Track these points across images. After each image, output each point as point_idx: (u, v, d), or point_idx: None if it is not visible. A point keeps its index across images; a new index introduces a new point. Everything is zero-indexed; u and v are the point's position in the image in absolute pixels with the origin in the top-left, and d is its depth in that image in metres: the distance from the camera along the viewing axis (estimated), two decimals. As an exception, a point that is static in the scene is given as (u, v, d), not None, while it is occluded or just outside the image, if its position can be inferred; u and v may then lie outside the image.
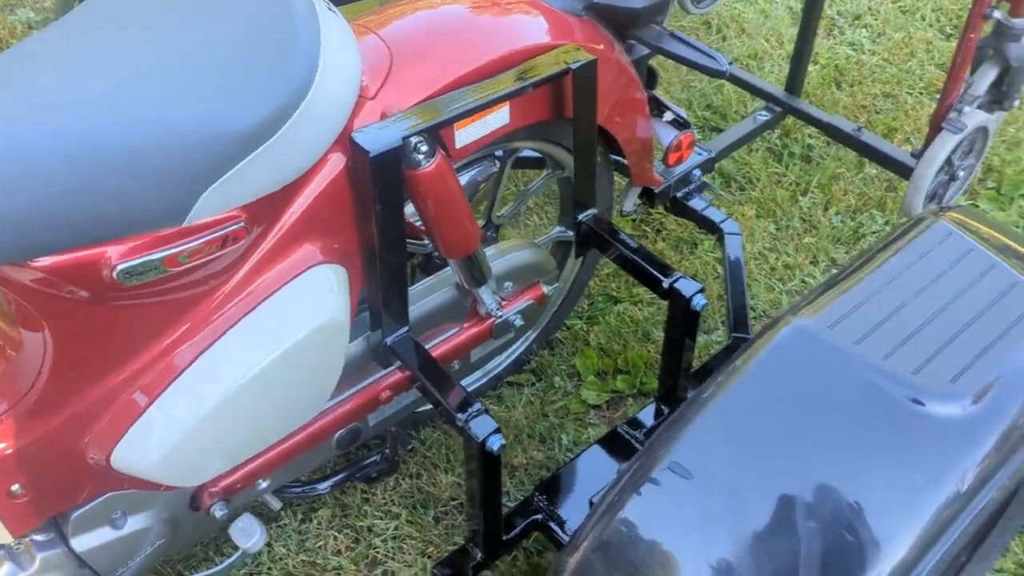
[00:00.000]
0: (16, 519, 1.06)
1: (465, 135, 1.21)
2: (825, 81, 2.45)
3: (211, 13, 0.96)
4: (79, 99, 0.87)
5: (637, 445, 1.41)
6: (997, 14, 1.58)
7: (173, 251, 0.94)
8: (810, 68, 2.35)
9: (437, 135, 1.13)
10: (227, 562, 1.23)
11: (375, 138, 1.05)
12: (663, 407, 1.50)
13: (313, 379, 1.14)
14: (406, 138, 1.07)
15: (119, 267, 0.92)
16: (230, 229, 0.98)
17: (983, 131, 1.75)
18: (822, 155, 2.24)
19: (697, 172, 1.82)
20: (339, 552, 1.50)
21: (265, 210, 1.02)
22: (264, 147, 0.93)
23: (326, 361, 1.14)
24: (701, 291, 1.32)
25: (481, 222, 1.52)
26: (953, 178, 1.77)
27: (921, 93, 2.44)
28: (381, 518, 1.54)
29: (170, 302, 1.01)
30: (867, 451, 0.80)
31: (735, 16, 2.68)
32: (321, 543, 1.50)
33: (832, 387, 0.83)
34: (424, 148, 1.10)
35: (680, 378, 1.45)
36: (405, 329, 1.26)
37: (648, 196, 1.68)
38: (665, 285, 1.33)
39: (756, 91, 2.03)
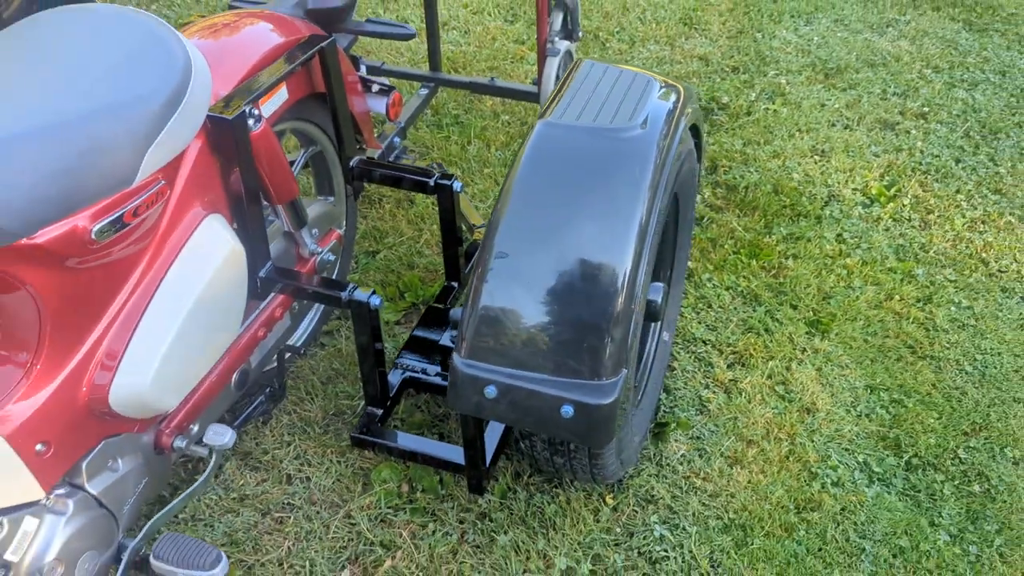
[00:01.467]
0: (45, 474, 1.29)
1: (266, 109, 1.64)
2: (447, 68, 3.16)
3: (110, 38, 1.31)
4: (52, 104, 1.19)
5: (444, 307, 1.92)
6: (551, -28, 2.36)
7: (131, 206, 1.28)
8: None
9: (257, 107, 1.56)
10: (211, 465, 1.52)
11: (228, 112, 1.46)
12: (452, 283, 2.04)
13: (234, 296, 1.50)
14: (245, 106, 1.49)
15: (96, 227, 1.24)
16: (158, 187, 1.33)
17: (569, 53, 2.54)
18: (467, 117, 2.93)
19: (397, 140, 2.40)
20: (259, 483, 1.81)
21: (170, 175, 1.38)
22: (176, 114, 1.31)
23: (238, 279, 1.51)
24: (456, 179, 1.87)
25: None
26: (564, 90, 2.54)
27: (510, 60, 3.26)
28: (279, 448, 1.87)
29: (127, 256, 1.33)
30: (607, 173, 1.40)
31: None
32: (242, 482, 1.80)
33: (575, 146, 1.42)
34: (256, 113, 1.53)
35: (459, 256, 2.00)
36: (270, 262, 1.65)
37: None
38: (431, 183, 1.87)
39: (410, 76, 2.66)
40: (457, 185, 1.88)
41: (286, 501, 1.77)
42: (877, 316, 2.16)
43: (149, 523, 1.47)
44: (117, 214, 1.27)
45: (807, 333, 2.12)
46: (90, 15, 1.35)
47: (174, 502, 1.49)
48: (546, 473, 1.79)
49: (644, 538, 1.69)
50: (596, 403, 1.37)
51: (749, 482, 1.78)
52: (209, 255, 1.45)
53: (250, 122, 1.52)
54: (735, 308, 2.19)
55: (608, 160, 1.42)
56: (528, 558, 1.66)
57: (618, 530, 1.71)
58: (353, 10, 2.00)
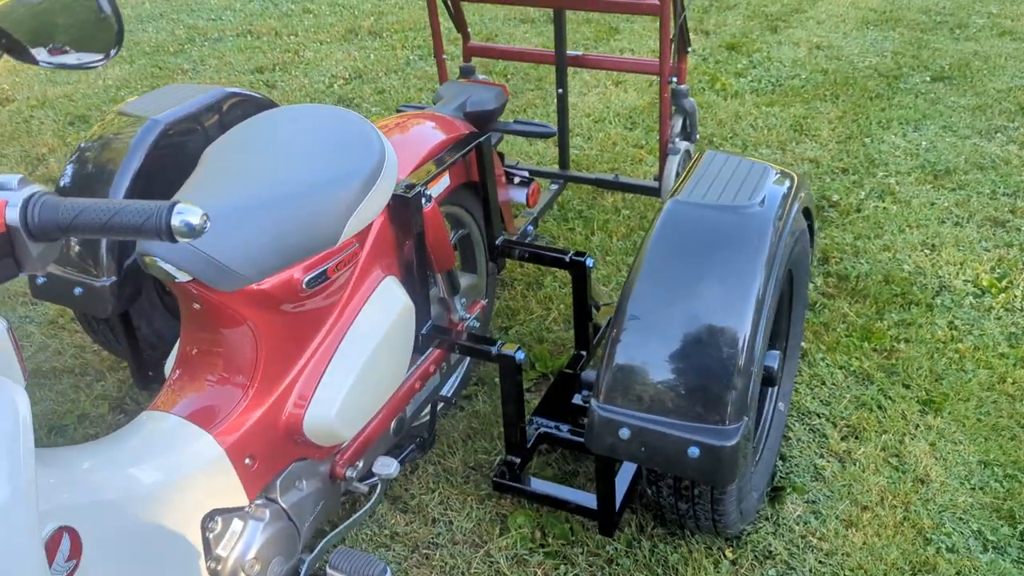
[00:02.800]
0: (250, 485, 1.54)
1: (433, 192, 1.94)
2: (571, 170, 3.46)
3: (326, 129, 1.64)
4: (282, 179, 1.50)
5: (574, 372, 2.13)
6: (673, 80, 2.63)
7: (333, 262, 1.56)
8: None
9: (428, 188, 1.85)
10: (377, 491, 1.74)
11: (407, 191, 1.76)
12: (581, 352, 2.24)
13: (404, 347, 1.76)
14: (421, 188, 1.78)
15: (306, 278, 1.52)
16: (352, 249, 1.62)
17: (687, 152, 2.79)
18: (590, 212, 3.20)
19: (530, 228, 2.67)
20: (407, 524, 2.02)
21: (362, 240, 1.67)
22: (372, 190, 1.61)
23: (408, 333, 1.76)
24: (588, 256, 2.11)
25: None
26: (683, 185, 2.78)
27: (630, 162, 3.53)
28: (425, 494, 2.08)
29: (325, 304, 1.60)
30: (729, 243, 1.61)
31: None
32: (393, 521, 2.02)
33: (701, 221, 1.64)
34: (427, 194, 1.81)
35: (588, 327, 2.21)
36: (430, 321, 1.91)
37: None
38: (567, 259, 2.12)
39: (542, 174, 2.96)
40: (589, 261, 2.11)
41: (432, 540, 1.97)
42: (990, 397, 2.24)
43: (324, 540, 1.69)
44: (323, 268, 1.55)
45: (920, 411, 2.21)
46: (311, 111, 1.68)
47: (349, 520, 1.72)
48: (670, 524, 1.93)
49: (762, 590, 1.80)
50: (720, 444, 1.53)
51: (864, 543, 1.87)
52: (387, 310, 1.72)
53: (423, 201, 1.81)
54: (848, 386, 2.31)
55: (730, 232, 1.63)
56: (652, 601, 1.79)
57: (737, 581, 1.83)
58: (502, 112, 2.31)
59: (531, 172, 2.97)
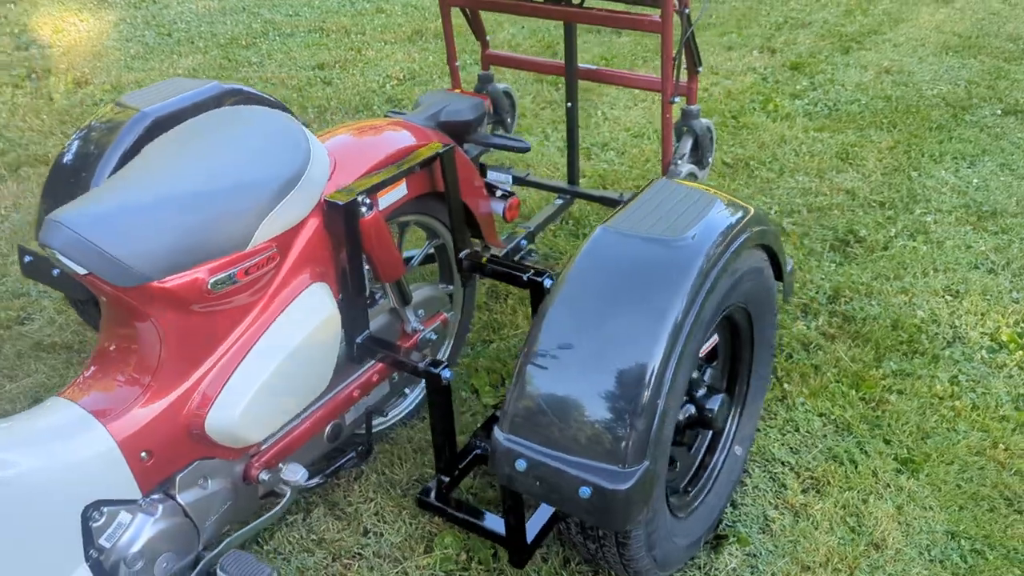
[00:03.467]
0: (145, 479, 1.55)
1: (384, 201, 1.92)
2: (596, 184, 3.39)
3: (254, 132, 1.65)
4: (191, 179, 1.51)
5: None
6: (677, 100, 2.53)
7: (243, 266, 1.57)
8: (584, 180, 3.31)
9: (372, 197, 1.83)
10: (285, 499, 1.74)
11: (341, 198, 1.75)
12: (541, 374, 2.18)
13: (324, 355, 1.75)
14: (358, 195, 1.77)
15: (212, 279, 1.53)
16: (270, 253, 1.62)
17: (692, 176, 2.68)
18: (604, 230, 3.12)
19: (524, 242, 2.62)
20: (339, 531, 2.01)
21: (283, 244, 1.67)
22: (289, 196, 1.60)
23: (330, 342, 1.75)
24: (549, 276, 2.05)
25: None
26: (686, 209, 2.67)
27: (660, 182, 3.43)
28: (363, 503, 2.07)
29: (237, 307, 1.61)
30: (648, 276, 1.53)
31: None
32: (324, 527, 2.01)
33: (626, 250, 1.57)
34: (367, 202, 1.80)
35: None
36: (367, 331, 1.90)
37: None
38: (525, 278, 2.06)
39: (548, 187, 2.90)
40: (547, 282, 2.05)
41: (357, 550, 1.95)
42: (976, 463, 2.06)
43: (225, 542, 1.70)
44: (231, 272, 1.56)
45: (895, 470, 2.06)
46: (249, 114, 1.70)
47: (248, 526, 1.72)
48: (590, 562, 1.85)
49: (676, 643, 1.71)
50: (612, 488, 1.45)
51: (796, 607, 1.75)
52: (308, 316, 1.71)
53: (362, 209, 1.79)
54: (824, 435, 2.17)
55: (653, 265, 1.55)
56: (559, 640, 1.72)
57: (652, 630, 1.73)
58: (481, 125, 2.27)
59: (540, 185, 2.92)
